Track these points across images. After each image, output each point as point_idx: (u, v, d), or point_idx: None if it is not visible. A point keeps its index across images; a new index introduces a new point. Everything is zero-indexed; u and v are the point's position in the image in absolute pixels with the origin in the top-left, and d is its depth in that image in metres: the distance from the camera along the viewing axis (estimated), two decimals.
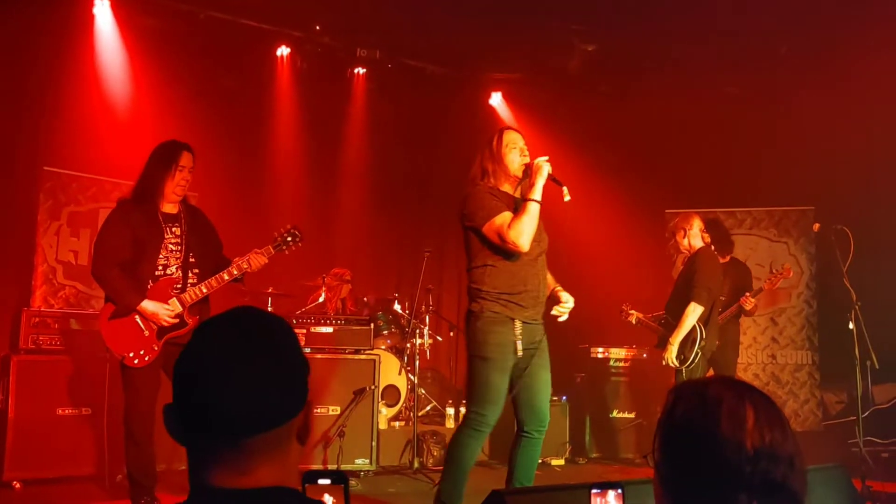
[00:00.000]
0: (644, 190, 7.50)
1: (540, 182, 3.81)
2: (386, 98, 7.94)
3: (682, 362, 5.42)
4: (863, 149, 6.86)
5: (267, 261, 4.26)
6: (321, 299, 6.74)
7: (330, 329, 5.83)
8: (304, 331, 5.76)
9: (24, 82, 6.02)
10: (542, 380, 3.86)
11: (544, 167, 3.83)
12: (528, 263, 3.82)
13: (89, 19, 6.42)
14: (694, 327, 5.45)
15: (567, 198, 3.87)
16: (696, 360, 5.40)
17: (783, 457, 1.27)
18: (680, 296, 5.53)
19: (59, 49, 6.22)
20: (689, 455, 1.29)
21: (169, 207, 4.24)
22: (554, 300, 3.99)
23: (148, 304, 4.06)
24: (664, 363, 5.43)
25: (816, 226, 5.84)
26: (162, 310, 4.08)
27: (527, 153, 3.97)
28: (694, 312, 5.40)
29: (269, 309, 6.22)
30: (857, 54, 6.62)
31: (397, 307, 7.02)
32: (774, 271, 6.52)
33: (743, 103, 7.49)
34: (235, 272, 4.20)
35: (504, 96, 8.42)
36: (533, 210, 3.77)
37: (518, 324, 3.75)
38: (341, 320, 5.95)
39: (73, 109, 6.25)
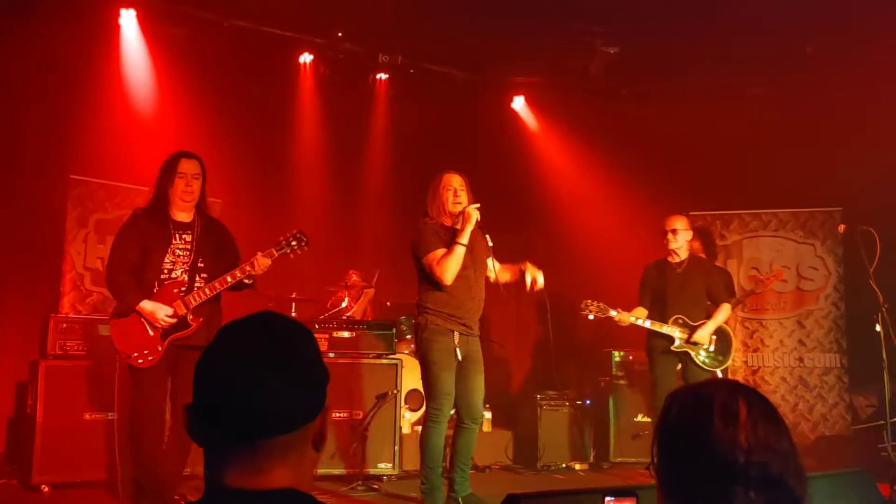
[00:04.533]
0: (667, 192, 7.44)
1: (468, 228, 4.52)
2: (408, 103, 7.95)
3: (719, 364, 5.49)
4: (891, 149, 6.76)
5: (270, 263, 4.28)
6: (343, 304, 6.77)
7: (352, 333, 5.86)
8: (327, 336, 5.79)
9: (51, 92, 6.13)
10: (476, 382, 4.60)
11: (473, 215, 4.53)
12: (464, 288, 4.56)
13: (115, 29, 6.51)
14: (727, 331, 5.53)
15: (490, 244, 4.63)
16: (730, 361, 5.52)
17: (779, 451, 1.27)
18: (693, 297, 5.54)
19: (85, 59, 6.32)
20: (685, 453, 1.31)
21: (181, 216, 4.37)
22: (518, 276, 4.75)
23: (146, 304, 4.17)
24: (703, 344, 5.39)
25: (842, 227, 5.80)
26: (160, 310, 4.17)
27: (461, 194, 4.65)
28: (728, 312, 5.58)
29: (294, 314, 6.27)
30: (884, 53, 6.54)
31: None
32: (765, 274, 6.56)
33: (767, 104, 7.41)
34: (239, 274, 4.25)
35: (526, 100, 8.41)
36: (458, 252, 4.49)
37: (457, 335, 4.51)
38: (363, 325, 5.97)
39: (100, 118, 6.35)
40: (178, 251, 4.29)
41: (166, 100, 6.67)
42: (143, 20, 6.56)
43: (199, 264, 4.33)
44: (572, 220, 8.04)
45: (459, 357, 4.50)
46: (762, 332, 7.39)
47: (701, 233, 6.71)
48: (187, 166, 4.34)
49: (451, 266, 4.48)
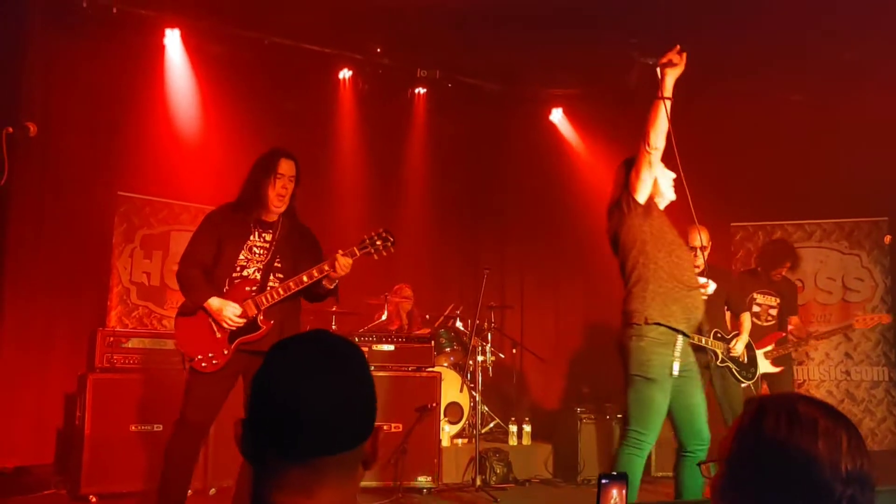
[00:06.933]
0: (709, 203, 7.33)
1: (666, 79, 3.54)
2: (447, 117, 8.01)
3: (751, 376, 5.40)
4: None
5: (351, 263, 3.86)
6: (384, 317, 6.81)
7: (392, 347, 5.89)
8: (367, 348, 5.83)
9: (99, 111, 6.29)
10: (700, 398, 3.71)
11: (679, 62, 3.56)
12: (681, 267, 3.65)
13: (160, 49, 6.66)
14: (750, 341, 5.46)
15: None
16: (759, 372, 5.48)
17: (870, 483, 1.28)
18: (719, 308, 5.48)
19: (131, 78, 6.47)
20: (781, 469, 1.29)
21: (267, 216, 4.05)
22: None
23: (214, 301, 3.83)
24: (735, 354, 5.29)
25: (888, 238, 5.68)
26: (228, 307, 3.81)
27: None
28: (749, 322, 5.53)
29: (334, 327, 6.32)
30: None
31: (459, 324, 7.04)
32: (864, 315, 6.35)
33: (808, 112, 7.29)
34: (316, 273, 3.87)
35: (564, 112, 8.40)
36: (659, 107, 3.55)
37: (679, 342, 3.58)
38: (403, 338, 6.00)
39: (146, 136, 6.49)
40: (255, 248, 3.96)
41: (209, 117, 6.80)
42: (186, 39, 6.70)
43: (276, 264, 3.97)
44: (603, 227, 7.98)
45: (676, 372, 3.56)
46: (807, 345, 7.26)
47: (743, 245, 6.62)
48: (286, 167, 4.01)
49: (654, 124, 3.56)
